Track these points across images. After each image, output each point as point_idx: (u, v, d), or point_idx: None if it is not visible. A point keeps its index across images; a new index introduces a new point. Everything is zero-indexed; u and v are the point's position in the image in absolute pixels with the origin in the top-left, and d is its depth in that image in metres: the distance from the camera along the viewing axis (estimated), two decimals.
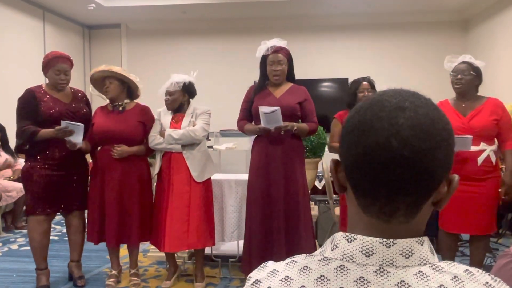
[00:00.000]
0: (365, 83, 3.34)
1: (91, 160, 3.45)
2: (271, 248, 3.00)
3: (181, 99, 3.26)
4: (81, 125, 3.03)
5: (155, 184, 3.42)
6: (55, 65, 3.15)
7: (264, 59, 3.10)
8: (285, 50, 3.07)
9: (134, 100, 3.39)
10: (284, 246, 2.97)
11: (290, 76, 3.15)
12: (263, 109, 2.89)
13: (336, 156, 0.72)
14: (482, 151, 2.84)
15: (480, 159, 2.83)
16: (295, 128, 2.99)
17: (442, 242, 3.07)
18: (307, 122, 3.10)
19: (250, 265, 3.02)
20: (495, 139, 2.94)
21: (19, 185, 4.91)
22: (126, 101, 3.32)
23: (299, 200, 3.04)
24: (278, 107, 2.87)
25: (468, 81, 2.89)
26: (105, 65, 3.26)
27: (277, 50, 3.04)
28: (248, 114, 3.17)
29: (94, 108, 3.47)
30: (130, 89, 3.33)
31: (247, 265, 3.08)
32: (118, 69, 3.25)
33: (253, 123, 3.17)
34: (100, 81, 3.29)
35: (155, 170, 3.33)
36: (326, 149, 4.09)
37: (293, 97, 3.08)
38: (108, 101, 3.36)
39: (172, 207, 3.17)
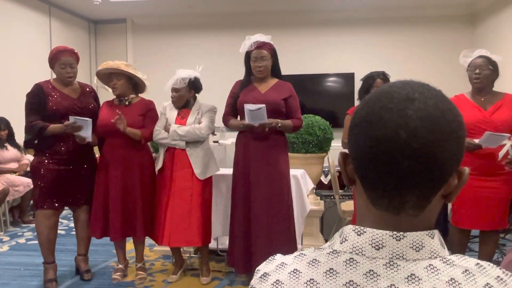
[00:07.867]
0: (379, 80, 3.28)
1: (99, 154, 3.46)
2: (252, 244, 3.03)
3: (187, 95, 3.25)
4: (90, 120, 3.02)
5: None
6: (60, 58, 3.15)
7: (248, 55, 3.10)
8: (268, 45, 3.06)
9: (139, 95, 3.39)
10: (264, 245, 2.99)
11: (275, 71, 3.14)
12: (248, 107, 2.88)
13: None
14: (502, 146, 2.79)
15: (500, 154, 2.79)
16: (279, 125, 2.99)
17: (454, 238, 3.05)
18: (291, 119, 3.10)
19: (233, 260, 3.13)
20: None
21: (26, 180, 4.95)
22: (132, 96, 3.32)
23: (283, 196, 3.05)
24: (264, 105, 2.87)
25: (486, 76, 2.83)
26: (112, 62, 3.25)
27: (260, 45, 3.03)
28: (233, 109, 3.17)
29: (101, 101, 3.47)
30: (135, 84, 3.33)
31: (231, 260, 3.17)
32: (126, 66, 3.24)
33: (238, 118, 3.16)
34: (106, 75, 3.29)
35: (158, 165, 3.33)
36: (332, 143, 4.08)
37: (278, 93, 3.07)
38: (113, 94, 3.36)
39: (174, 203, 3.18)
